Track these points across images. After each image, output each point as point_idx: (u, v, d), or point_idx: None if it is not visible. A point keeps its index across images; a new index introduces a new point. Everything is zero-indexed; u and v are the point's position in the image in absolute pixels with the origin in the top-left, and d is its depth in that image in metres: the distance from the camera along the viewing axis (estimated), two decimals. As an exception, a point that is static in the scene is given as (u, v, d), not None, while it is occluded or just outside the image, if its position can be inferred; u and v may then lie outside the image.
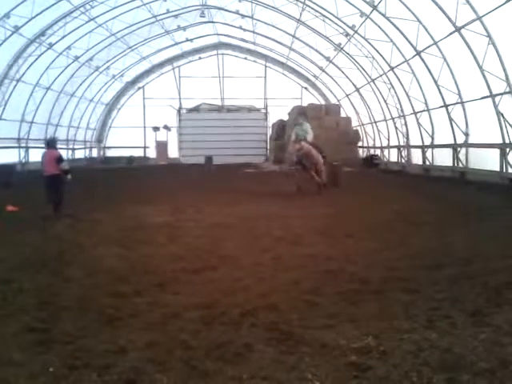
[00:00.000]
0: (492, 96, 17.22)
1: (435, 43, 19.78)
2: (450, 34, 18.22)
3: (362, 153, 34.07)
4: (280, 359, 3.38)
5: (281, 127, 36.09)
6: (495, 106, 17.16)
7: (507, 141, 16.79)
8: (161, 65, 41.06)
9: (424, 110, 23.60)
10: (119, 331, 3.98)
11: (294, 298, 4.76)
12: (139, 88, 41.93)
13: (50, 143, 11.53)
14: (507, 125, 16.70)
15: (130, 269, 5.98)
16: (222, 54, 41.10)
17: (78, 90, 34.44)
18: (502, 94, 16.63)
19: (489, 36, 16.20)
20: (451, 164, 21.06)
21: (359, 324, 4.01)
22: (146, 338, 3.80)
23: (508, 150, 16.77)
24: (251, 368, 3.25)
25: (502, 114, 16.86)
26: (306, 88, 41.67)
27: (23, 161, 28.34)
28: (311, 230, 8.55)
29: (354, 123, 34.25)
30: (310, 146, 14.88)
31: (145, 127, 41.62)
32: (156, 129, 41.31)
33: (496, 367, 3.17)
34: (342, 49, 29.18)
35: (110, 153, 42.25)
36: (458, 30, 17.62)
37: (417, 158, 25.60)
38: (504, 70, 16.10)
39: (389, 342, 3.63)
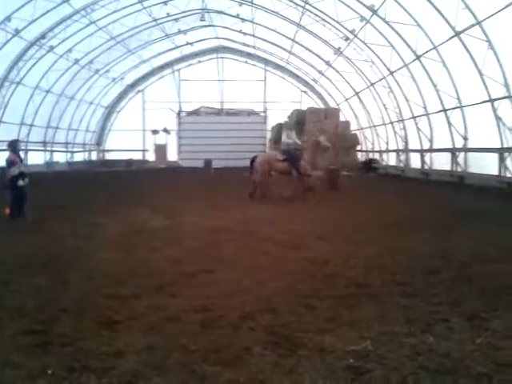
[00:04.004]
0: (491, 101, 17.29)
1: (435, 48, 19.85)
2: (450, 38, 18.30)
3: (360, 157, 34.11)
4: (278, 362, 3.38)
5: (280, 131, 36.13)
6: (494, 111, 17.22)
7: (505, 145, 16.85)
8: (161, 68, 41.21)
9: (423, 115, 23.67)
10: (118, 334, 3.98)
11: (293, 301, 4.76)
12: (139, 91, 42.05)
13: (8, 147, 11.02)
14: (506, 129, 16.76)
15: (129, 272, 5.98)
16: (222, 58, 41.24)
17: (77, 92, 34.52)
18: (501, 98, 16.70)
19: (488, 41, 16.27)
20: (450, 168, 21.10)
21: (357, 328, 4.02)
22: (145, 340, 3.81)
23: (506, 154, 16.83)
24: (249, 371, 3.26)
25: (501, 119, 16.93)
26: (305, 92, 41.80)
27: (22, 163, 28.34)
28: (310, 234, 8.56)
29: (353, 127, 34.30)
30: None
31: (144, 130, 41.71)
32: (155, 132, 41.39)
33: (493, 371, 3.19)
34: (341, 53, 29.27)
35: (109, 156, 42.32)
36: (457, 34, 17.69)
37: (415, 162, 25.64)
38: (503, 74, 16.17)
39: (387, 345, 3.64)
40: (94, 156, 42.09)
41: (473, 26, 16.62)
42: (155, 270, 6.05)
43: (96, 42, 30.22)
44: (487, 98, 17.48)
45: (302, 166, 14.27)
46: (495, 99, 17.04)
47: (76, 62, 30.75)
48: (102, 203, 13.59)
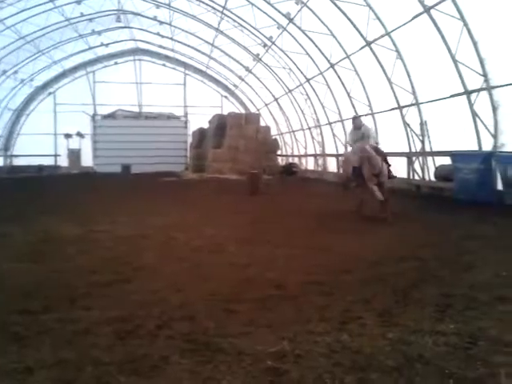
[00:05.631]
0: (400, 108, 18.33)
1: (348, 57, 20.71)
2: (362, 48, 19.18)
3: (281, 161, 34.82)
4: (196, 370, 3.33)
5: (201, 135, 36.05)
6: (402, 117, 18.28)
7: (413, 150, 17.93)
8: (74, 69, 39.38)
9: (338, 121, 24.59)
10: (26, 350, 3.74)
11: (212, 307, 4.72)
12: (50, 93, 39.94)
13: None
14: (413, 135, 17.85)
15: (39, 284, 5.64)
16: (140, 60, 40.31)
17: (-18, 95, 32.26)
18: (408, 105, 17.76)
19: (397, 51, 17.24)
20: (364, 172, 22.05)
21: (275, 329, 4.06)
22: (55, 355, 3.60)
23: (414, 158, 17.91)
24: (166, 380, 3.18)
25: (409, 125, 18.01)
26: (225, 97, 41.95)
27: None
28: (230, 239, 8.55)
29: (273, 132, 34.95)
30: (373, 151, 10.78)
31: (56, 134, 39.65)
32: (68, 136, 39.52)
33: (402, 365, 3.32)
34: (260, 59, 29.73)
35: (17, 161, 39.72)
36: (368, 44, 18.59)
37: (332, 166, 26.57)
38: (411, 83, 17.20)
39: (303, 345, 3.70)
40: (0, 162, 39.38)
41: (383, 36, 17.56)
42: (67, 282, 5.74)
43: (3, 41, 28.46)
44: (396, 105, 18.53)
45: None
46: (403, 106, 18.11)
47: (-20, 62, 28.80)
48: (9, 211, 12.76)
